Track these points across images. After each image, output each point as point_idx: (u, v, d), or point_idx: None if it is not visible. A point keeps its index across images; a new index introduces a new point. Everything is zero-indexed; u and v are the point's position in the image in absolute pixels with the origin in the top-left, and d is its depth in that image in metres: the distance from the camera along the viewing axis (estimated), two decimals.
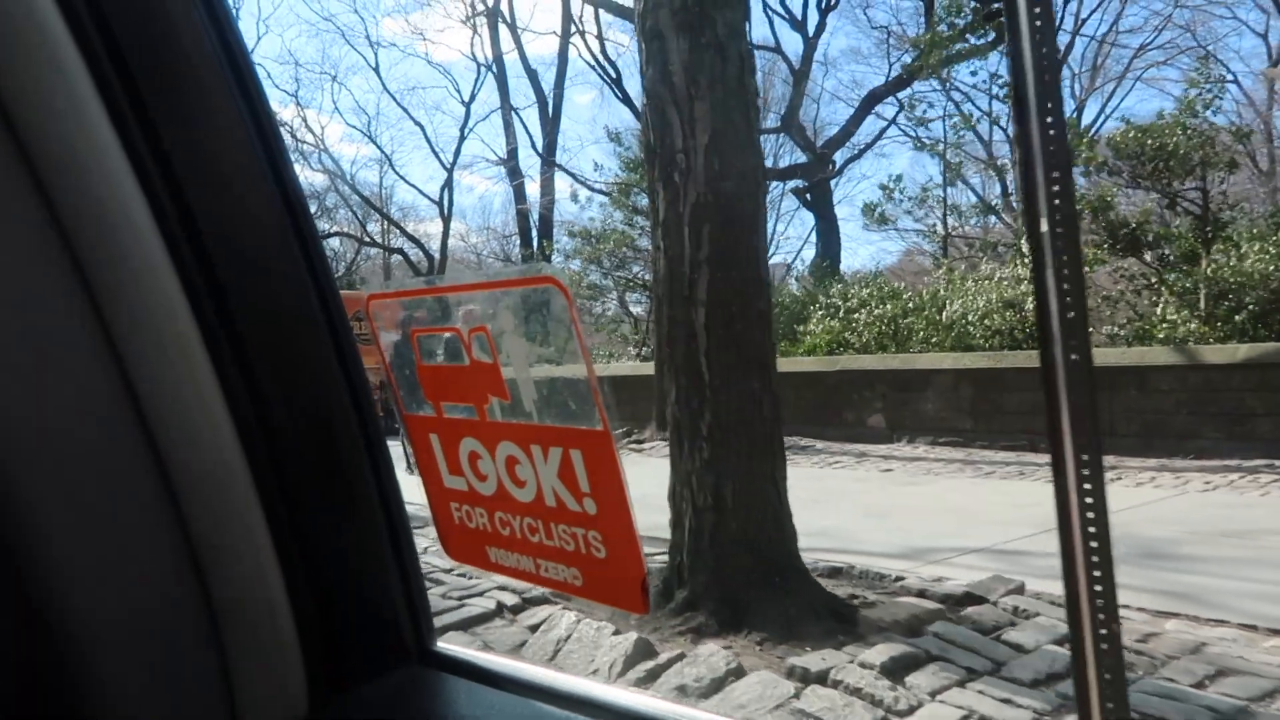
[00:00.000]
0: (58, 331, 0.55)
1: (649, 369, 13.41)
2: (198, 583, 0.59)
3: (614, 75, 24.05)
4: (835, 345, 13.22)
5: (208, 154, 0.61)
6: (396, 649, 0.70)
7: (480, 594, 4.19)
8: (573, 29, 24.75)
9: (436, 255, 28.18)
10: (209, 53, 0.60)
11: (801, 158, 19.58)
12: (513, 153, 27.72)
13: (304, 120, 30.79)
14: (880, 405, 11.05)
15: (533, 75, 27.19)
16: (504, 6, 26.43)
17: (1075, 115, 21.00)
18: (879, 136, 23.01)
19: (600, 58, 24.69)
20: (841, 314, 13.60)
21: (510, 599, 4.14)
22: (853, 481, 8.13)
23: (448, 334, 0.57)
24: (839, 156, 21.30)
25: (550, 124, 26.88)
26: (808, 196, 20.49)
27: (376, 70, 43.06)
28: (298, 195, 0.65)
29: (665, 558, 4.09)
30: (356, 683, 0.67)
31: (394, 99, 32.92)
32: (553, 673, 0.63)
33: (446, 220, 29.14)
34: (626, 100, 24.14)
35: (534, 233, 26.91)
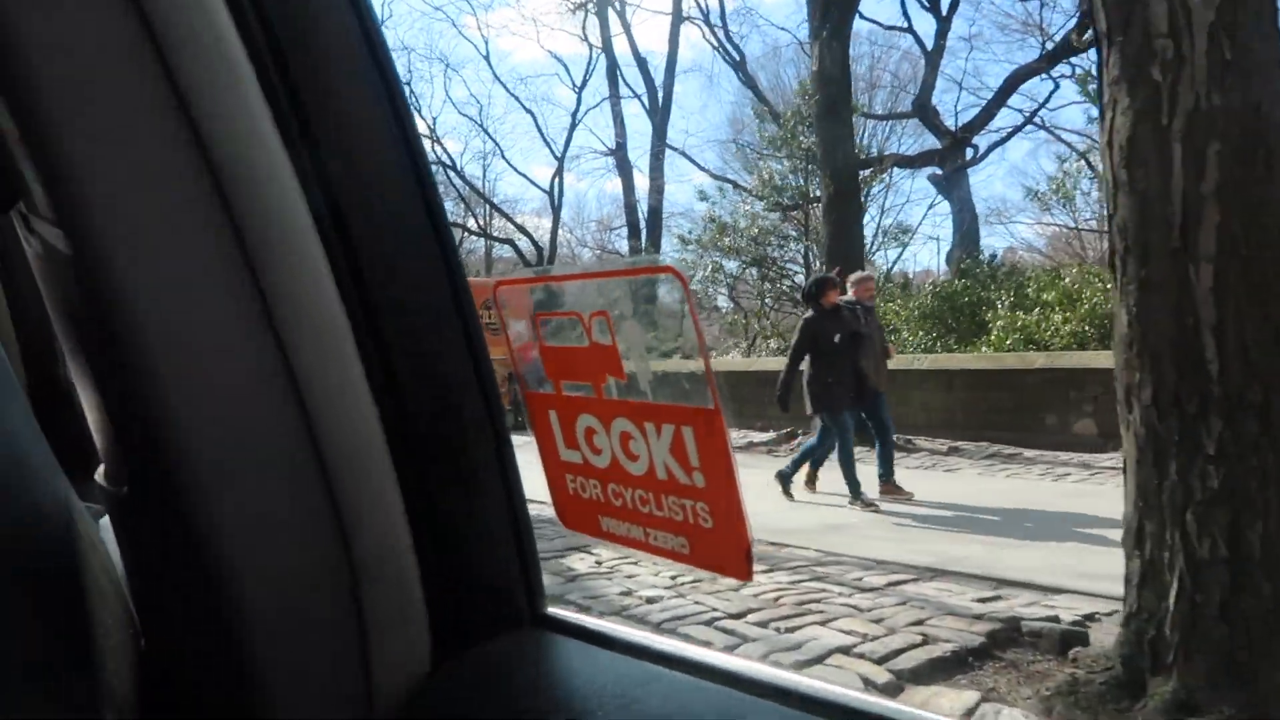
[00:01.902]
0: (229, 320, 0.61)
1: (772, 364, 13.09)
2: (342, 546, 0.65)
3: (738, 58, 23.75)
4: (1028, 341, 12.43)
5: (356, 154, 0.67)
6: (512, 612, 0.75)
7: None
8: (685, 12, 24.62)
9: (546, 247, 28.61)
10: (358, 53, 0.66)
11: (934, 142, 18.95)
12: (621, 144, 27.88)
13: (417, 110, 31.64)
14: (1090, 409, 9.92)
15: (642, 63, 27.22)
16: None
17: None
18: (1029, 118, 21.97)
19: (723, 39, 24.34)
20: (1037, 306, 12.79)
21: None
22: None
23: (570, 317, 0.61)
24: (980, 141, 20.56)
25: (660, 113, 26.84)
26: (944, 183, 19.83)
27: (487, 59, 43.90)
28: (434, 191, 0.71)
29: (1101, 621, 3.64)
30: (474, 644, 0.73)
31: (504, 86, 33.49)
32: (659, 636, 0.67)
33: (557, 210, 29.56)
34: (750, 84, 23.83)
35: (643, 225, 27.00)
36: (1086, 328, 12.07)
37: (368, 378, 0.66)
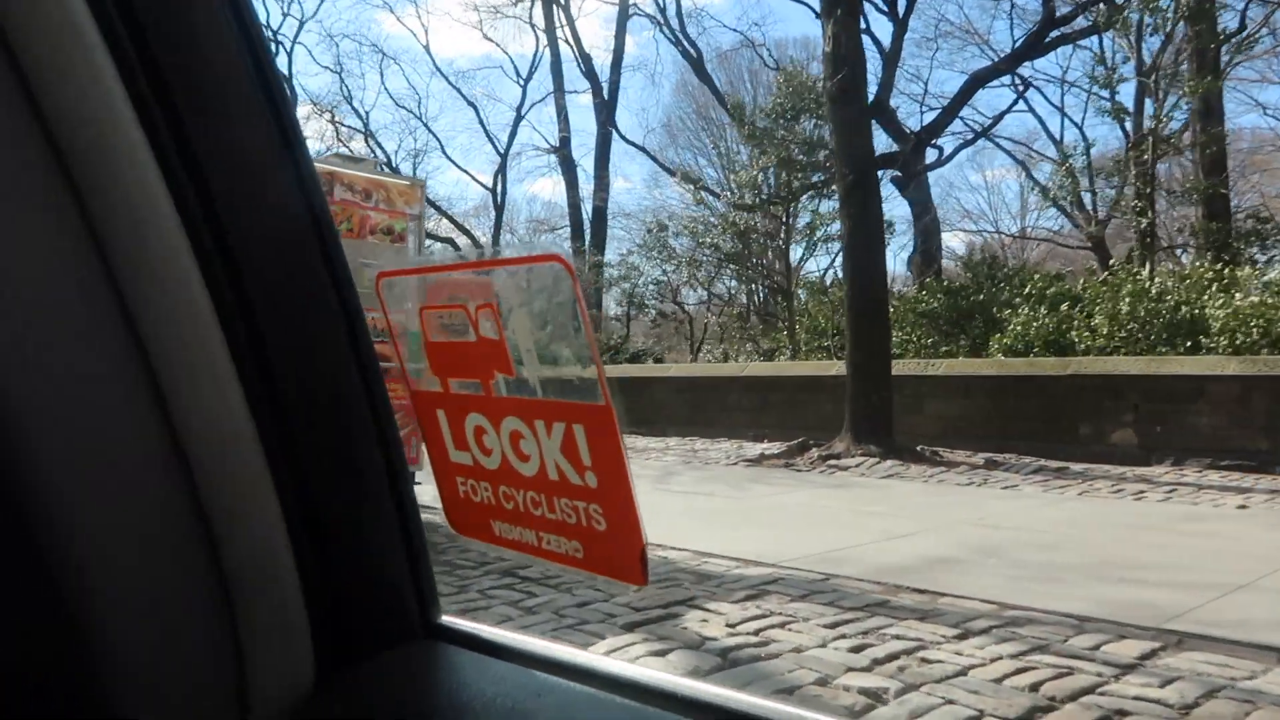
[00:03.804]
0: (79, 314, 0.56)
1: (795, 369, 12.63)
2: (209, 552, 0.61)
3: (695, 55, 23.62)
4: (1052, 345, 11.71)
5: (226, 146, 0.63)
6: (402, 622, 0.71)
7: None
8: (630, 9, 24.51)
9: (487, 247, 28.44)
10: (229, 45, 0.62)
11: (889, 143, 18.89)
12: (565, 140, 27.76)
13: (349, 101, 31.11)
14: (1130, 419, 9.15)
15: (586, 58, 27.14)
16: None
17: None
18: (1000, 118, 21.99)
19: (679, 35, 24.14)
20: (1062, 307, 11.98)
21: None
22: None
23: (455, 310, 0.57)
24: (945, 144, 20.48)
25: (607, 109, 26.75)
26: (905, 185, 19.72)
27: (427, 49, 43.45)
28: (313, 180, 0.66)
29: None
30: (362, 656, 0.69)
31: (445, 78, 33.17)
32: (556, 645, 0.64)
33: (500, 209, 29.30)
34: (709, 82, 23.60)
35: (586, 225, 26.93)
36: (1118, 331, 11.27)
37: (239, 374, 0.61)
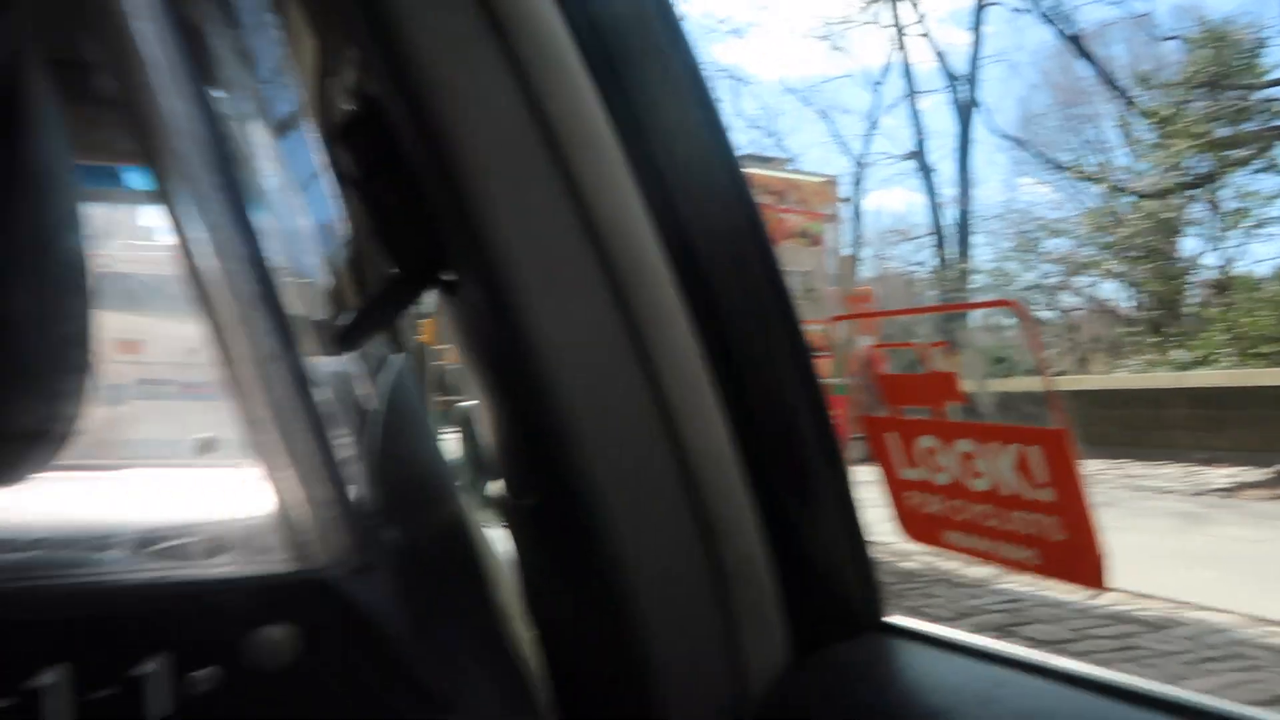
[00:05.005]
0: (608, 351, 0.72)
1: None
2: (705, 550, 0.74)
3: (1070, 35, 21.65)
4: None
5: (680, 156, 0.73)
6: (855, 618, 0.81)
7: None
8: None
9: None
10: (674, 57, 0.72)
11: None
12: (920, 144, 26.82)
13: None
14: None
15: (941, 56, 26.00)
16: None
17: None
18: None
19: (1049, 14, 22.21)
20: None
21: None
22: None
23: (907, 349, 0.66)
24: None
25: (967, 108, 25.44)
26: None
27: (771, 68, 43.64)
28: (753, 205, 0.76)
29: None
30: (824, 645, 0.79)
31: (793, 93, 33.32)
32: (1004, 643, 0.70)
33: (856, 219, 28.99)
34: (1090, 60, 21.32)
35: (944, 231, 25.80)
36: None
37: (720, 400, 0.74)
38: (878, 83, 28.10)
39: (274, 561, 0.72)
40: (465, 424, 1.05)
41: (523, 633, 0.86)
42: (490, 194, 0.68)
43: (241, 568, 0.74)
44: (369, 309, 0.84)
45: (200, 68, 0.70)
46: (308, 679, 0.65)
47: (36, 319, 0.54)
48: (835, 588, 0.81)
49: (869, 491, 0.78)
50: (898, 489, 0.73)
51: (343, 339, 0.82)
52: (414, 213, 0.76)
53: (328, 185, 0.99)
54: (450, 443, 1.06)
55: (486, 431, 0.94)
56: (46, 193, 0.58)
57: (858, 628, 0.81)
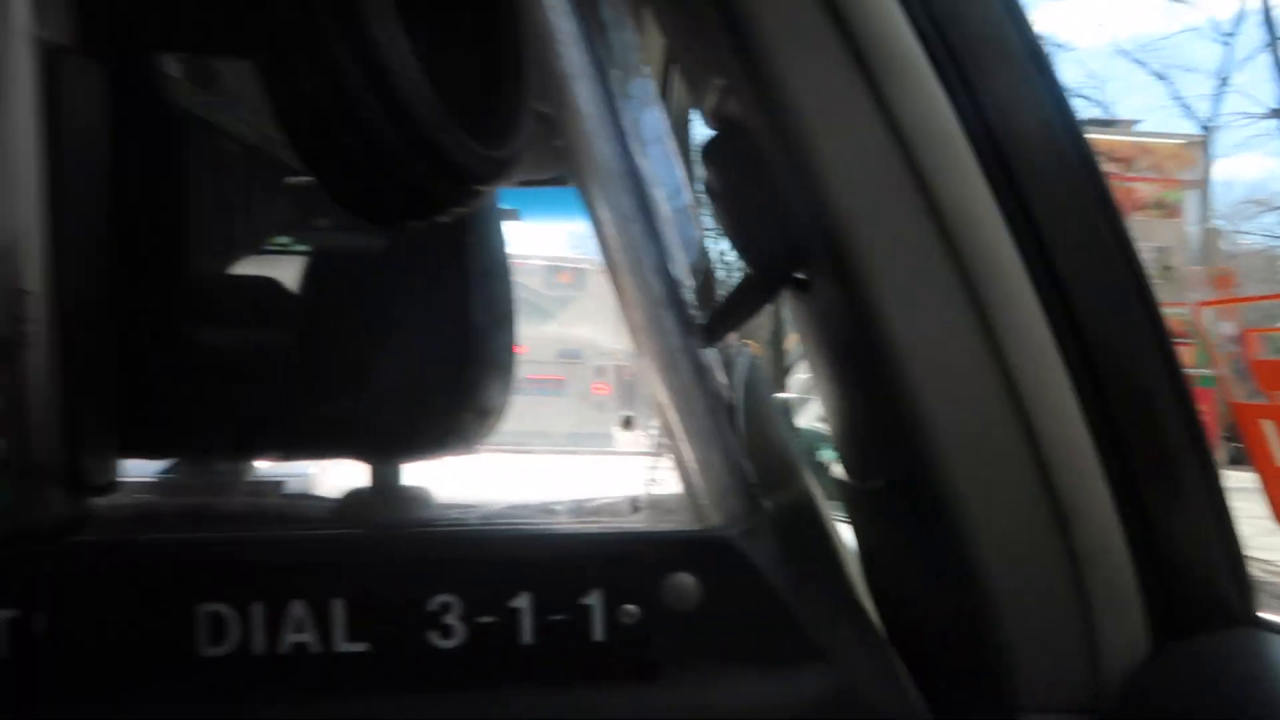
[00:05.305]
0: (957, 336, 0.75)
1: None
2: (1060, 534, 0.76)
3: None
4: None
5: (1032, 147, 0.75)
6: (1223, 610, 0.79)
7: None
8: None
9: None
10: (1016, 43, 0.74)
11: None
12: None
13: None
14: None
15: None
16: None
17: None
18: None
19: None
20: None
21: None
22: None
23: None
24: None
25: None
26: None
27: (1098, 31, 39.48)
28: (1108, 191, 0.76)
29: None
30: (1187, 635, 0.78)
31: (1124, 55, 29.93)
32: None
33: (1204, 187, 25.65)
34: None
35: None
36: None
37: (1073, 385, 0.74)
38: (1229, 34, 24.62)
39: (680, 521, 0.86)
40: (787, 414, 1.13)
41: (871, 609, 0.93)
42: (848, 201, 0.75)
43: (653, 525, 0.89)
44: (730, 306, 0.95)
45: (611, 95, 0.84)
46: (709, 622, 0.77)
47: (491, 322, 0.69)
48: (1201, 579, 0.79)
49: (1241, 499, 0.75)
50: (1276, 478, 0.71)
51: (708, 333, 0.94)
52: (770, 221, 0.86)
53: (690, 198, 1.12)
54: (797, 429, 1.16)
55: (824, 420, 1.01)
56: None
57: (1227, 621, 0.79)
